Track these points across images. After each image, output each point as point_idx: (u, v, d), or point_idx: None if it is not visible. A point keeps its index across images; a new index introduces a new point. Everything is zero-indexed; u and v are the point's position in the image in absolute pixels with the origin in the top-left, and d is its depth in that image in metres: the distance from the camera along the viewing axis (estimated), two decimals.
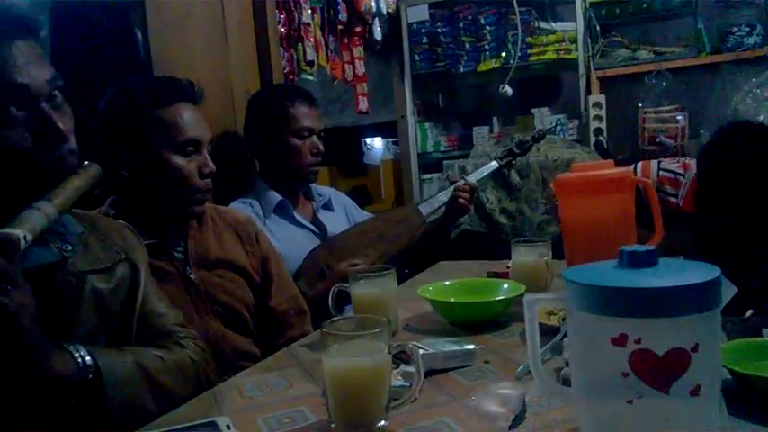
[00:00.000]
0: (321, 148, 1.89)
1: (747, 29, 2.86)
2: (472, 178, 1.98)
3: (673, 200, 1.81)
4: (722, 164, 1.67)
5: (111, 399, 0.88)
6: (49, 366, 0.83)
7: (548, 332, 1.05)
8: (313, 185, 2.00)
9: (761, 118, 2.70)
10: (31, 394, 0.84)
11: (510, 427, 0.80)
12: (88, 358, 0.88)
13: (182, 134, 1.31)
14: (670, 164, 1.93)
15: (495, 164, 2.05)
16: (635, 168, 1.91)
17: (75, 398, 0.86)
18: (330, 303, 1.25)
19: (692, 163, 1.86)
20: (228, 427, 0.84)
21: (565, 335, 1.02)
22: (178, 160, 1.31)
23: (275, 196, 1.87)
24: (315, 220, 1.94)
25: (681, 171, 1.87)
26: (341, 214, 2.04)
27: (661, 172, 1.89)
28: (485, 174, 2.03)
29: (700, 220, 1.76)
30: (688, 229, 1.76)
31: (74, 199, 0.89)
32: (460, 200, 1.92)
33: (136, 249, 1.08)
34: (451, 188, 1.95)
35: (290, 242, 1.80)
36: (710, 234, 1.75)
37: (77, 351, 0.88)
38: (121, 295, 1.00)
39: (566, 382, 0.82)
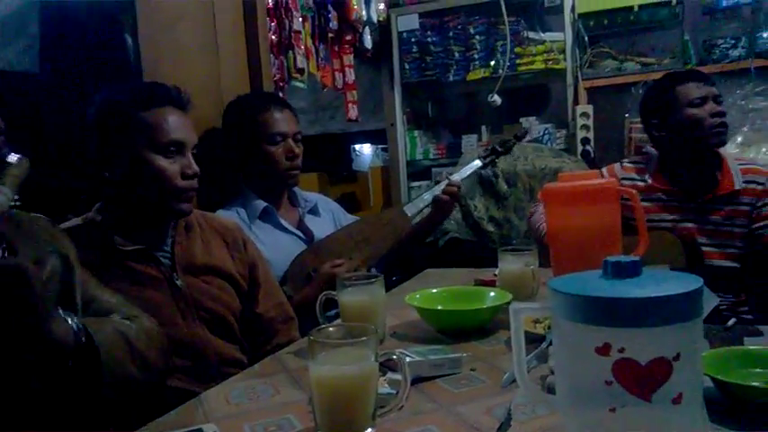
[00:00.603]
0: (296, 151, 1.88)
1: (733, 41, 2.90)
2: (456, 177, 1.98)
3: (641, 183, 1.88)
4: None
5: (105, 361, 0.93)
6: (53, 329, 0.87)
7: (533, 340, 1.06)
8: (299, 191, 2.00)
9: (745, 129, 2.74)
10: (35, 359, 0.88)
11: None
12: (79, 324, 0.92)
13: (165, 135, 1.31)
14: (631, 158, 2.06)
15: (478, 162, 2.05)
16: (601, 172, 1.95)
17: (72, 361, 0.91)
18: (318, 311, 1.25)
19: (652, 151, 1.96)
20: None
21: (550, 343, 1.03)
22: (160, 161, 1.31)
23: (260, 203, 1.87)
24: (301, 226, 1.94)
25: (642, 159, 1.97)
26: (328, 219, 2.04)
27: (625, 163, 1.97)
28: (468, 173, 2.03)
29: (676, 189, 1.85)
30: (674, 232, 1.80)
31: (16, 186, 0.92)
32: (444, 199, 1.93)
33: (61, 240, 1.07)
34: (435, 188, 1.96)
35: (275, 248, 1.80)
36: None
37: (68, 317, 0.92)
38: (54, 286, 1.00)
39: (550, 390, 0.83)
